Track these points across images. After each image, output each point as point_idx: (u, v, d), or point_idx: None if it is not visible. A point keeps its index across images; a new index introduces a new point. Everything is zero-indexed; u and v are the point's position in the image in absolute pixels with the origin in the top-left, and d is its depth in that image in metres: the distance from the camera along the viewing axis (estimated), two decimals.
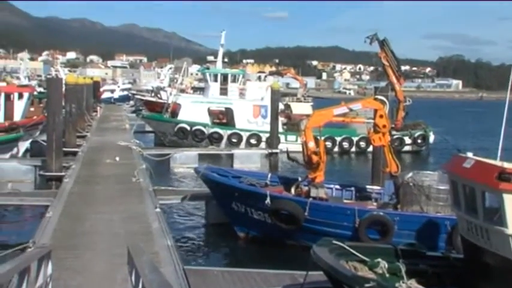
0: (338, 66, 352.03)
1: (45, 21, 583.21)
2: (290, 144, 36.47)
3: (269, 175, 21.82)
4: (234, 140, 43.08)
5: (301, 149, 19.53)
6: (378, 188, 20.75)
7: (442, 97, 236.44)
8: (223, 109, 46.45)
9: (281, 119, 41.78)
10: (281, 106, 45.63)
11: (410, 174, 18.35)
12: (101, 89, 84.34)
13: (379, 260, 10.21)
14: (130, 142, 30.81)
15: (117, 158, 25.39)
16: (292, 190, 19.43)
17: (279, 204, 17.73)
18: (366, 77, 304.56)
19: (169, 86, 70.78)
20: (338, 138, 44.08)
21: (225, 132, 43.56)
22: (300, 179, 20.09)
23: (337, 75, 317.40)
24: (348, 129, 43.52)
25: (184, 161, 33.61)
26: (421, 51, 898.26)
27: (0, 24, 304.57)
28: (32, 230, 14.22)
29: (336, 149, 44.26)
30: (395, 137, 39.98)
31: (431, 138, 46.75)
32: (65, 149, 27.55)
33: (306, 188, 19.01)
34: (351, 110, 20.12)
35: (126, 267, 8.56)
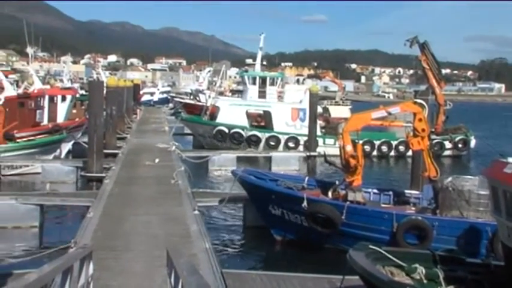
0: (377, 70, 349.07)
1: (88, 25, 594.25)
2: (328, 147, 36.45)
3: (306, 178, 21.82)
4: (272, 143, 43.10)
5: (339, 153, 19.50)
6: (417, 192, 20.47)
7: (484, 101, 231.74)
8: (262, 112, 46.49)
9: (319, 122, 41.62)
10: (319, 109, 45.50)
11: (450, 179, 18.02)
12: (141, 92, 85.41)
13: (417, 265, 10.12)
14: (169, 144, 31.11)
15: (157, 160, 25.70)
16: (330, 194, 19.35)
17: (316, 207, 17.69)
18: (405, 81, 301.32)
19: (208, 88, 71.34)
20: (377, 142, 43.70)
21: (263, 135, 43.63)
22: (337, 182, 19.98)
23: (376, 79, 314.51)
24: (387, 133, 43.15)
25: (223, 163, 33.84)
26: (462, 54, 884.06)
27: (46, 27, 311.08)
28: (73, 230, 14.50)
29: (375, 152, 43.90)
30: (435, 141, 39.39)
31: (473, 142, 45.69)
32: (105, 150, 28.10)
33: (343, 192, 18.95)
34: (389, 113, 19.93)
35: (165, 269, 8.70)
